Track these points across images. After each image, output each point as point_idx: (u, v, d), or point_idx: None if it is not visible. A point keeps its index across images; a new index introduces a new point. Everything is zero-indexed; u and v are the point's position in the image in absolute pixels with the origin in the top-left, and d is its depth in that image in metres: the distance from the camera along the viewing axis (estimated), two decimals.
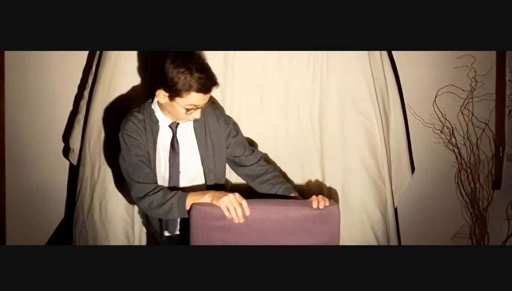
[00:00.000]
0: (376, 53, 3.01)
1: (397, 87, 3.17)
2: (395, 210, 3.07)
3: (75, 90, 3.26)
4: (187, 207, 2.28)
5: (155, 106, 2.48)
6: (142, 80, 2.87)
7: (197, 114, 2.40)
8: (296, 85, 2.94)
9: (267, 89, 2.93)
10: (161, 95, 2.38)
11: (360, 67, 2.93)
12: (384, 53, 3.09)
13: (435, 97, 3.39)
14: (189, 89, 2.32)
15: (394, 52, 3.26)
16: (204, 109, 2.48)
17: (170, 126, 2.49)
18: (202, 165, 2.53)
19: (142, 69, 2.87)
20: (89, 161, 2.92)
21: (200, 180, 2.55)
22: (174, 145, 2.49)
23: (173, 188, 2.46)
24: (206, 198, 2.27)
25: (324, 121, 2.94)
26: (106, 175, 2.86)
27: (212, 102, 2.63)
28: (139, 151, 2.41)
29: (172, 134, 2.50)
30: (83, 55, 3.22)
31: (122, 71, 2.87)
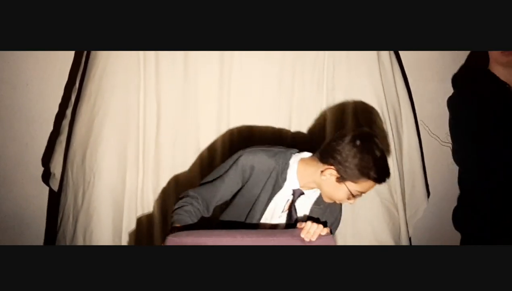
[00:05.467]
0: (387, 65, 3.05)
1: (410, 102, 3.19)
2: (410, 239, 3.09)
3: (56, 109, 3.25)
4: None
5: (294, 163, 2.46)
6: (130, 99, 2.90)
7: (353, 200, 2.42)
8: (297, 104, 2.99)
9: (267, 110, 2.99)
10: (328, 174, 2.37)
11: (369, 81, 2.97)
12: (396, 65, 3.13)
13: None
14: (368, 176, 2.32)
15: (405, 64, 3.28)
16: None
17: (294, 190, 2.47)
18: None
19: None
20: (72, 186, 2.92)
21: None
22: (291, 212, 2.47)
23: None
24: None
25: None
26: (91, 202, 2.86)
27: None
28: (228, 187, 2.47)
29: (291, 199, 2.48)
30: (65, 69, 3.22)
31: (109, 88, 2.88)
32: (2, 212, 3.31)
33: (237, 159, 2.45)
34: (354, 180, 2.33)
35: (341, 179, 2.35)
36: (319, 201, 2.49)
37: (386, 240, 2.91)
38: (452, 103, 3.14)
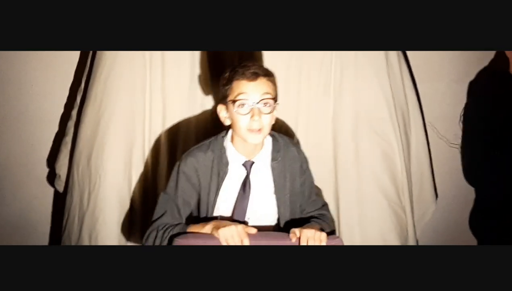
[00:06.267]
0: (395, 65, 3.05)
1: (418, 104, 3.20)
2: (417, 241, 3.09)
3: (62, 110, 3.27)
4: None
5: (227, 143, 2.45)
6: (136, 100, 2.90)
7: (251, 117, 2.33)
8: (304, 105, 2.98)
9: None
10: (221, 111, 2.42)
11: (377, 82, 2.97)
12: (404, 65, 3.12)
13: (461, 114, 3.40)
14: (231, 81, 2.36)
15: (413, 65, 3.28)
16: (285, 145, 2.49)
17: (244, 165, 2.45)
18: (279, 211, 2.49)
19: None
20: (77, 188, 2.93)
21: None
22: (245, 187, 2.45)
23: None
24: (207, 228, 2.27)
25: (337, 145, 2.97)
26: (97, 204, 2.86)
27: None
28: (185, 197, 2.43)
29: (246, 174, 2.45)
30: (70, 70, 3.23)
31: (115, 89, 2.89)
32: (7, 213, 3.33)
33: (178, 170, 2.43)
34: (227, 94, 2.37)
35: (225, 104, 2.40)
36: (274, 156, 2.47)
37: (393, 242, 2.90)
38: (468, 111, 3.14)
